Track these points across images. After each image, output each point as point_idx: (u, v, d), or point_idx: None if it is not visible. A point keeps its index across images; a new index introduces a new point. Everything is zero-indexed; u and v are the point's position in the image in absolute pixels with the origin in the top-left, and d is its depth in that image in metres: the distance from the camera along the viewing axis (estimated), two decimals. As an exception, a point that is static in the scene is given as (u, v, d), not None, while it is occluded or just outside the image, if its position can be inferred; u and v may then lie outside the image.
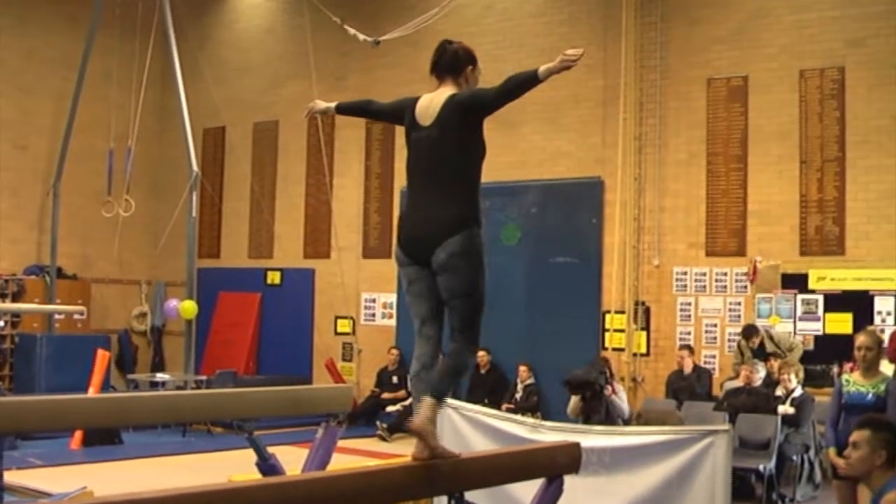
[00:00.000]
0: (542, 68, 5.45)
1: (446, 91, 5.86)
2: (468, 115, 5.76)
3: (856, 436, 6.39)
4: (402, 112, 5.97)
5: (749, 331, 15.16)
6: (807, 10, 15.84)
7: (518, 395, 17.08)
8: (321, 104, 6.49)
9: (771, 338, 15.06)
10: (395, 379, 18.59)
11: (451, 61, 5.94)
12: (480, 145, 5.90)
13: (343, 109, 6.44)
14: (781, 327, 15.46)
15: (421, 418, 5.47)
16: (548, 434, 9.58)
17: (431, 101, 5.85)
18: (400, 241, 5.85)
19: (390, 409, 18.13)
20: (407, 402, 17.90)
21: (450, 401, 11.64)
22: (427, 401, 5.55)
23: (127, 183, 19.31)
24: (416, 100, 5.93)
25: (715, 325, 16.35)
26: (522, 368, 17.21)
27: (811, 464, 13.27)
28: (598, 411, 13.85)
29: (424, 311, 5.85)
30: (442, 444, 5.59)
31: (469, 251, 5.72)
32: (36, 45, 21.58)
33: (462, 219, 5.70)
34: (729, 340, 16.06)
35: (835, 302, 15.40)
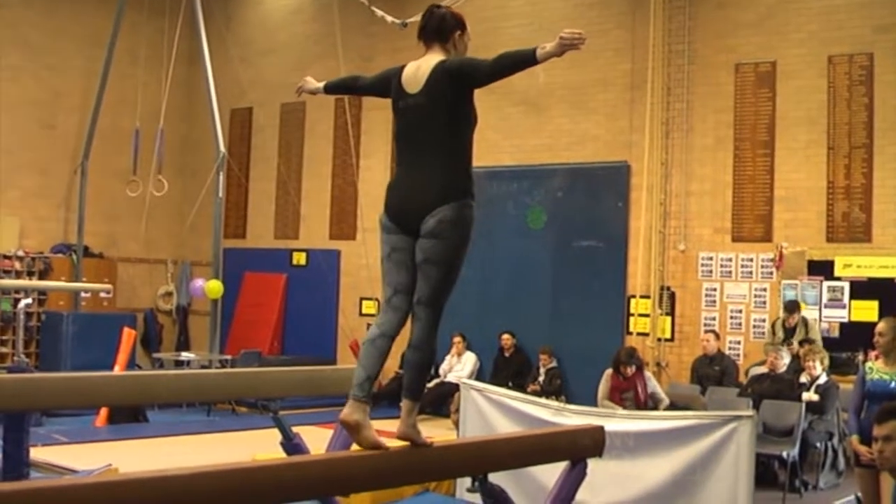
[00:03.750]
0: (540, 50, 5.22)
1: (434, 57, 5.65)
2: (457, 83, 5.52)
3: (887, 428, 6.34)
4: (388, 82, 5.78)
5: (791, 306, 15.12)
6: (836, -5, 15.80)
7: (541, 379, 17.09)
8: (311, 83, 6.39)
9: (805, 323, 15.03)
10: (418, 360, 18.58)
11: (439, 26, 5.73)
12: (471, 115, 5.66)
13: (331, 88, 6.32)
14: (807, 314, 15.41)
15: (406, 425, 5.43)
16: (572, 417, 9.59)
17: (419, 67, 5.65)
18: (387, 208, 5.63)
19: (414, 390, 18.15)
20: (431, 385, 17.94)
21: (474, 383, 11.69)
22: (406, 404, 5.46)
23: (159, 163, 19.32)
24: (402, 68, 5.75)
25: (740, 311, 16.31)
26: (543, 354, 17.21)
27: (835, 451, 13.24)
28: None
29: (400, 280, 5.58)
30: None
31: (459, 221, 5.48)
32: (64, 24, 21.64)
33: (454, 188, 5.52)
34: (754, 327, 16.04)
35: (861, 289, 15.34)
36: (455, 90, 5.52)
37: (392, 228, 5.60)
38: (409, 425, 5.41)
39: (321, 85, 6.32)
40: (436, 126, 5.53)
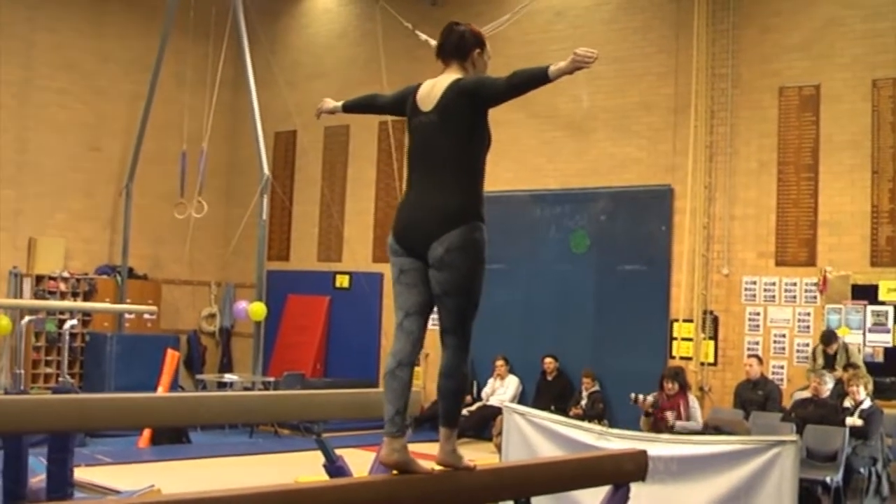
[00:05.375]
0: (553, 68, 5.14)
1: (450, 76, 5.56)
2: (472, 101, 5.41)
3: None
4: (404, 100, 5.69)
5: (828, 337, 15.04)
6: (880, 19, 15.71)
7: (583, 403, 17.05)
8: (330, 104, 6.23)
9: (846, 349, 14.95)
10: (461, 384, 18.60)
11: (458, 44, 5.64)
12: (484, 135, 5.51)
13: (349, 107, 6.19)
14: (851, 339, 15.34)
15: (444, 453, 5.41)
16: (614, 441, 9.58)
17: (434, 85, 5.56)
18: (394, 230, 5.54)
19: (457, 413, 18.14)
20: (473, 408, 17.95)
21: (517, 406, 11.68)
22: (444, 432, 5.43)
23: (200, 185, 19.46)
24: (418, 86, 5.65)
25: (784, 336, 16.24)
26: (585, 377, 17.18)
27: (879, 476, 13.15)
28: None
29: (411, 304, 5.47)
30: (395, 457, 5.29)
31: (468, 247, 5.33)
32: (110, 48, 21.82)
33: (463, 212, 5.35)
34: (798, 351, 15.96)
35: (905, 314, 15.29)
36: (469, 108, 5.43)
37: (399, 251, 5.52)
38: (447, 452, 5.40)
39: (339, 104, 6.21)
40: (448, 145, 5.44)
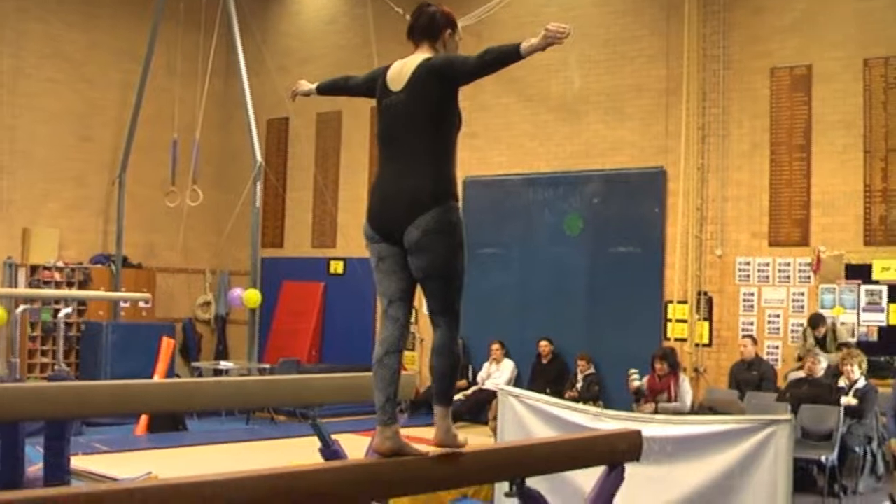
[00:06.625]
0: (525, 45, 5.05)
1: (420, 55, 5.51)
2: (441, 80, 5.35)
3: None
4: (375, 81, 5.63)
5: (816, 320, 15.08)
6: (871, -2, 15.77)
7: (579, 385, 17.08)
8: (304, 85, 6.21)
9: (834, 330, 15.00)
10: (456, 368, 18.65)
11: (428, 24, 5.59)
12: (454, 115, 5.43)
13: (323, 89, 6.16)
14: (845, 318, 15.39)
15: (441, 431, 5.35)
16: (609, 423, 9.58)
17: (404, 65, 5.51)
18: (368, 215, 5.50)
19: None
20: (469, 392, 17.99)
21: (512, 389, 11.71)
22: (438, 411, 5.36)
23: (194, 173, 19.47)
24: (388, 66, 5.61)
25: (778, 316, 16.27)
26: (581, 360, 17.21)
27: (874, 455, 13.18)
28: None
29: (393, 290, 5.46)
30: (388, 444, 5.23)
31: (445, 228, 5.26)
32: (101, 37, 21.81)
33: (436, 193, 5.29)
34: (792, 331, 15.99)
35: (899, 292, 15.33)
36: (439, 88, 5.37)
37: (374, 237, 5.49)
38: (443, 431, 5.36)
39: (313, 86, 6.18)
40: (418, 125, 5.38)
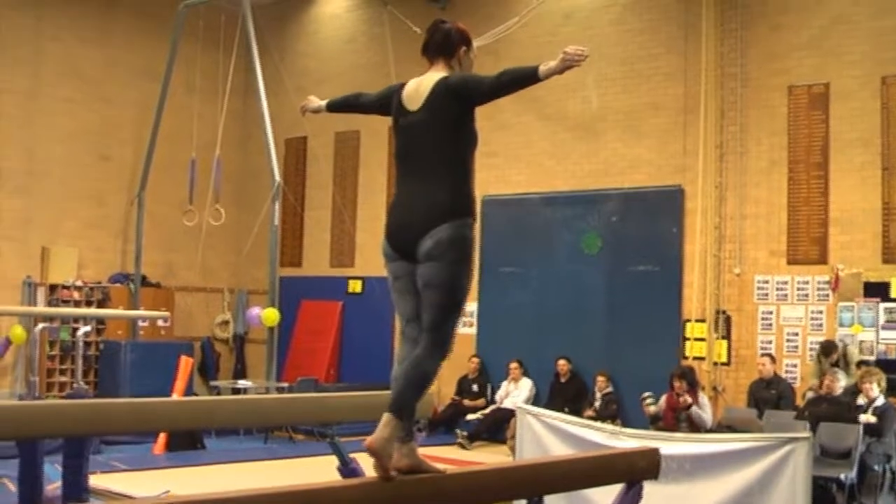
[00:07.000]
0: (543, 68, 5.10)
1: (437, 74, 5.50)
2: (459, 99, 5.34)
3: None
4: (389, 99, 5.63)
5: (828, 348, 15.02)
6: (888, 15, 15.69)
7: (597, 404, 17.06)
8: (314, 102, 6.26)
9: (845, 355, 14.96)
10: (475, 387, 18.66)
11: (443, 41, 5.60)
12: (471, 133, 5.43)
13: (334, 106, 6.18)
14: (864, 336, 15.35)
15: (376, 437, 5.02)
16: (627, 441, 9.58)
17: (420, 84, 5.50)
18: (387, 232, 5.45)
19: (470, 416, 18.16)
20: (487, 411, 17.99)
21: (530, 407, 11.70)
22: (385, 417, 5.09)
23: (216, 192, 19.52)
24: (403, 85, 5.60)
25: (796, 334, 16.23)
26: (600, 378, 17.21)
27: (892, 473, 13.17)
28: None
29: (409, 310, 5.41)
30: (405, 462, 5.13)
31: (457, 242, 5.23)
32: (119, 56, 21.88)
33: (454, 207, 5.26)
34: (810, 349, 15.92)
35: (918, 311, 15.29)
36: (457, 107, 5.36)
37: (392, 255, 5.45)
38: (380, 441, 5.04)
39: (323, 103, 6.21)
40: (436, 144, 5.37)
